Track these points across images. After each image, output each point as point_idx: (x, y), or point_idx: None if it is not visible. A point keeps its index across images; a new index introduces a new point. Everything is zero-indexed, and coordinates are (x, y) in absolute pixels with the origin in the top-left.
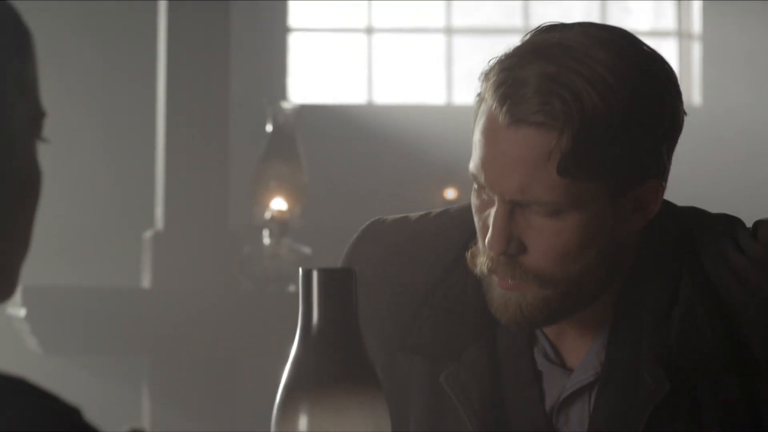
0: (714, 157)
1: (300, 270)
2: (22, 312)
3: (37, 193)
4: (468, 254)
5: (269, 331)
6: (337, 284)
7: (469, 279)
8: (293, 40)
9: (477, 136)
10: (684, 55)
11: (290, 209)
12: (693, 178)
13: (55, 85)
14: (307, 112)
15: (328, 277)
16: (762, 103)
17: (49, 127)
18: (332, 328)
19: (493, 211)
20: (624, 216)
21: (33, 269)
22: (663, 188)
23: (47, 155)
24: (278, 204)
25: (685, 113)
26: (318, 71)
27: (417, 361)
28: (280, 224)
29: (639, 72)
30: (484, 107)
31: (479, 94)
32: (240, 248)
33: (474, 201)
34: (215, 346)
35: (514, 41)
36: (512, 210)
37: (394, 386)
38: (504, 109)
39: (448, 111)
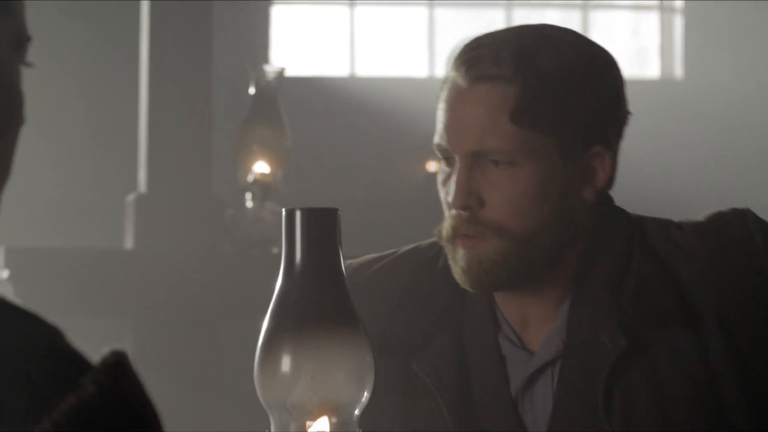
0: (696, 130)
1: (283, 210)
2: (5, 274)
3: (19, 118)
4: (435, 231)
5: (252, 292)
6: (321, 224)
7: (436, 278)
8: (276, 12)
9: (440, 108)
10: (666, 28)
11: (273, 173)
12: (675, 151)
13: (38, 48)
14: (289, 84)
15: (312, 216)
16: (743, 75)
17: (32, 91)
18: (315, 268)
19: (452, 178)
20: (575, 182)
21: (16, 231)
22: (609, 162)
23: (31, 120)
24: (261, 167)
25: (629, 112)
26: (300, 43)
27: (391, 361)
28: (262, 187)
29: (589, 52)
30: (447, 83)
31: (443, 79)
32: (223, 211)
33: (439, 178)
34: (198, 307)
35: (496, 13)
36: (472, 166)
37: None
38: (463, 72)
39: (431, 83)
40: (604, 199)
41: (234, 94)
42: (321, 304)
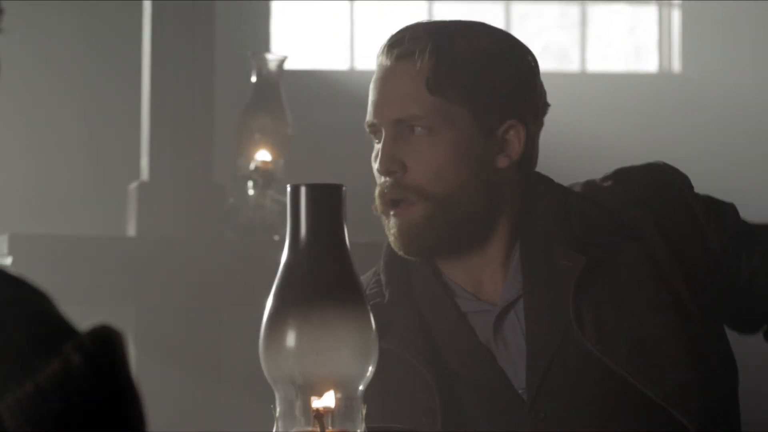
0: (694, 123)
1: (288, 186)
2: (8, 261)
3: None
4: (372, 207)
5: (254, 280)
6: (325, 200)
7: (380, 277)
8: (276, 5)
9: (370, 92)
10: (664, 22)
11: (274, 161)
12: (673, 144)
13: (39, 35)
14: (289, 76)
15: (316, 192)
16: (741, 69)
17: (33, 80)
18: (320, 243)
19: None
20: (490, 151)
21: (19, 218)
22: (524, 135)
23: (35, 107)
24: (263, 155)
25: (548, 103)
26: (301, 36)
27: None
28: (264, 175)
29: (505, 39)
30: (376, 71)
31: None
32: (225, 199)
33: (372, 156)
34: (200, 294)
35: (495, 8)
36: (395, 136)
37: None
38: (386, 52)
39: None
40: (532, 174)
41: (235, 82)
42: (326, 279)
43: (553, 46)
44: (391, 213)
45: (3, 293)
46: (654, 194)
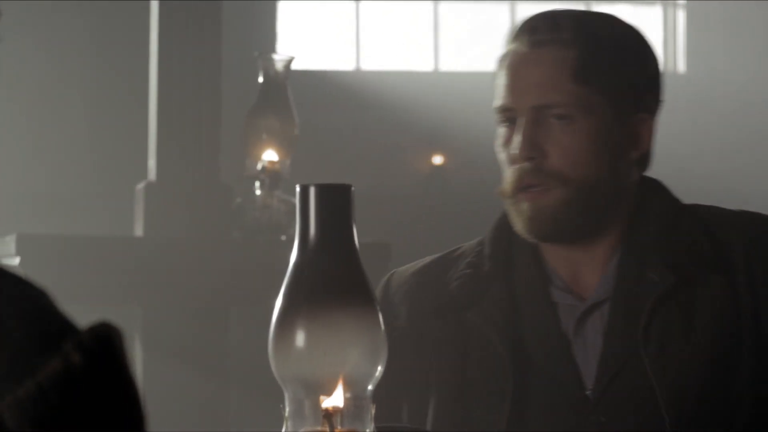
0: (698, 122)
1: (297, 186)
2: (15, 261)
3: None
4: (496, 190)
5: (261, 279)
6: (335, 200)
7: (484, 248)
8: (282, 6)
9: (501, 77)
10: (669, 22)
11: (281, 161)
12: (678, 142)
13: (46, 36)
14: (295, 77)
15: (326, 192)
16: (745, 68)
17: (42, 81)
18: (329, 243)
19: (516, 134)
20: (624, 142)
21: (27, 218)
22: (652, 128)
23: (43, 108)
24: (270, 155)
25: (662, 100)
26: (307, 37)
27: (447, 319)
28: (271, 175)
29: (636, 31)
30: (506, 55)
31: (501, 56)
32: (232, 199)
33: (499, 141)
34: (207, 294)
35: (500, 8)
36: (535, 121)
37: (425, 347)
38: (523, 40)
39: (435, 77)
40: (645, 176)
41: (242, 83)
42: (335, 279)
43: None
44: (525, 197)
45: (3, 291)
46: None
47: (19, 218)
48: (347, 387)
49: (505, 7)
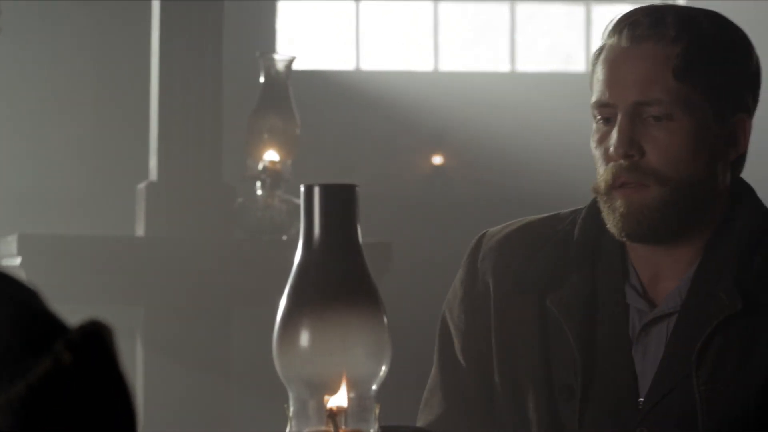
0: None
1: (302, 186)
2: (17, 261)
3: None
4: (591, 187)
5: (263, 279)
6: (339, 199)
7: (573, 230)
8: (282, 7)
9: (598, 71)
10: None
11: (282, 161)
12: None
13: (48, 37)
14: (295, 77)
15: (330, 192)
16: None
17: (44, 81)
18: (333, 243)
19: (614, 131)
20: (722, 143)
21: (29, 218)
22: (749, 129)
23: (45, 109)
24: (271, 155)
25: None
26: (306, 37)
27: (527, 299)
28: (272, 175)
29: (739, 29)
30: (603, 51)
31: (597, 49)
32: (233, 199)
33: (594, 137)
34: (209, 294)
35: (500, 8)
36: (633, 118)
37: (506, 323)
38: (623, 35)
39: (435, 77)
40: (738, 177)
41: (244, 83)
42: (339, 279)
43: (558, 47)
44: (620, 194)
45: None
46: None
47: (21, 218)
48: (351, 387)
49: (505, 7)
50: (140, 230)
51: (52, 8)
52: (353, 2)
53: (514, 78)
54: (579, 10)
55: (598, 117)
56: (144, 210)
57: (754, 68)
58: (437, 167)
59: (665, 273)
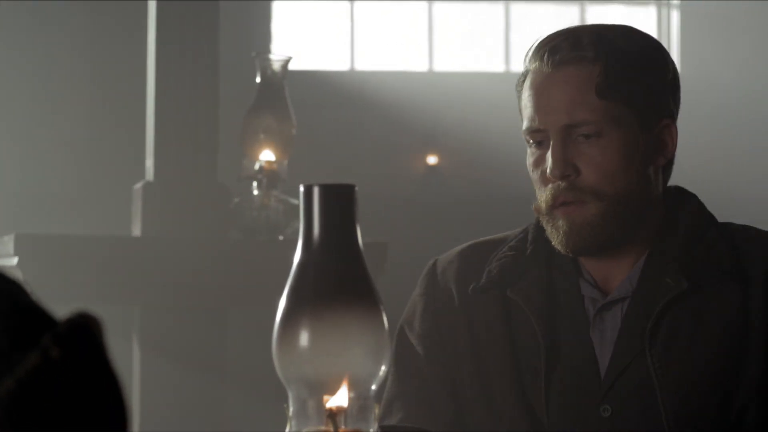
0: (693, 124)
1: (301, 186)
2: (14, 261)
3: None
4: (532, 207)
5: (259, 279)
6: (338, 200)
7: (526, 237)
8: (277, 7)
9: (525, 97)
10: (663, 23)
11: (279, 161)
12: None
13: (45, 36)
14: (290, 77)
15: (329, 192)
16: (740, 69)
17: (40, 81)
18: (333, 243)
19: (547, 153)
20: (651, 150)
21: (25, 218)
22: (675, 133)
23: (41, 108)
24: (267, 155)
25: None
26: (301, 37)
27: (491, 295)
28: (268, 175)
29: (650, 39)
30: (527, 75)
31: (521, 74)
32: (229, 199)
33: (529, 161)
34: (205, 294)
35: (495, 8)
36: (565, 140)
37: (472, 321)
38: (545, 60)
39: (430, 77)
40: (676, 185)
41: (240, 83)
42: (339, 279)
43: None
44: (561, 212)
45: None
46: None
47: (18, 218)
48: (351, 387)
49: (499, 8)
50: (136, 230)
51: (47, 8)
52: (348, 2)
53: (509, 78)
54: (573, 10)
55: (531, 142)
56: (140, 210)
57: (672, 74)
58: (432, 167)
59: (614, 273)
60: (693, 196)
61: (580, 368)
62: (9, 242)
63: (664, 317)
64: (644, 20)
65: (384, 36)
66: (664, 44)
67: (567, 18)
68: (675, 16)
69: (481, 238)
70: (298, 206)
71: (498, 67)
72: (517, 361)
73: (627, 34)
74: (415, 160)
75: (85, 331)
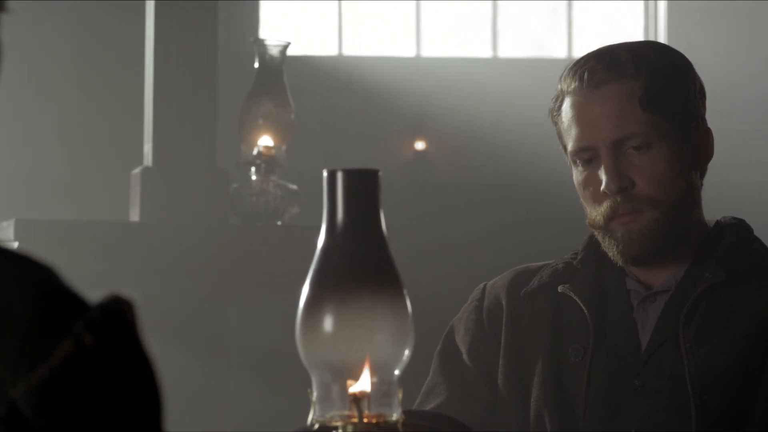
0: None
1: (324, 171)
2: (14, 246)
3: None
4: (587, 223)
5: (258, 265)
6: (362, 184)
7: (575, 257)
8: None
9: (566, 119)
10: (650, 14)
11: (277, 146)
12: None
13: (43, 20)
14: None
15: (353, 177)
16: (726, 60)
17: (39, 65)
18: (357, 228)
19: (599, 171)
20: (693, 156)
21: (25, 203)
22: (711, 134)
23: (40, 93)
24: (265, 141)
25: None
26: (289, 23)
27: (539, 296)
28: (267, 161)
29: (676, 52)
30: (564, 98)
31: (555, 99)
32: (228, 184)
33: (578, 179)
34: (203, 279)
35: None
36: (616, 155)
37: (517, 321)
38: (585, 81)
39: (418, 63)
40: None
41: (238, 68)
42: (363, 264)
43: (540, 33)
44: (619, 223)
45: (8, 273)
46: None
47: (17, 203)
48: (374, 371)
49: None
50: (135, 215)
51: None
52: None
53: (496, 63)
54: (561, 2)
55: (578, 161)
56: (139, 195)
57: (699, 82)
58: (419, 152)
59: (659, 278)
60: (749, 231)
61: (622, 348)
62: (9, 227)
63: (700, 304)
64: (631, 11)
65: (372, 21)
66: (651, 33)
67: (555, 3)
68: (662, 7)
69: (530, 264)
70: (296, 191)
71: (486, 52)
72: (558, 353)
73: (658, 49)
74: (403, 145)
75: (118, 317)
